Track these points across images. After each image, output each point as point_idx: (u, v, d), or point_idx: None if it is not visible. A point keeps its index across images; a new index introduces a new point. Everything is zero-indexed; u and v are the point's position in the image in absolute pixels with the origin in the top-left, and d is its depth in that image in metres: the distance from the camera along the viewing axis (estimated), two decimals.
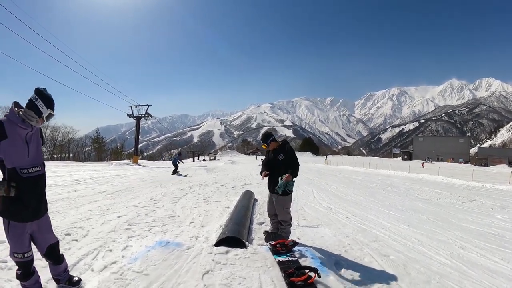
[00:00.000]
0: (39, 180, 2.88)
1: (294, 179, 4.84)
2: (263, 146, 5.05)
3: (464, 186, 17.48)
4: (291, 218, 5.01)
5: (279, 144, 5.01)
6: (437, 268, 4.26)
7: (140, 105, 43.78)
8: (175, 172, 19.89)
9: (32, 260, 2.90)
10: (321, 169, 33.74)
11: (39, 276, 3.02)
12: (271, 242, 4.09)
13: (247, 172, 22.95)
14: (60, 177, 13.72)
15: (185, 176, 18.75)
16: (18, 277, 2.88)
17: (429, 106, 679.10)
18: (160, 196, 9.58)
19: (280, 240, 4.03)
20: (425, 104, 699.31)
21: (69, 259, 3.83)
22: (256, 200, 8.74)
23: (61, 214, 6.52)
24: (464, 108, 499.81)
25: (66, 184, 11.47)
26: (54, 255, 3.10)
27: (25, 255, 2.81)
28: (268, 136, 5.04)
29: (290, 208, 4.92)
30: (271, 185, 4.91)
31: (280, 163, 4.79)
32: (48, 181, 11.89)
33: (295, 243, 3.97)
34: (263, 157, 5.47)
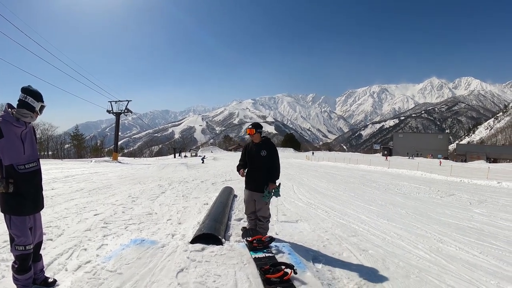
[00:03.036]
0: (36, 174, 3.04)
1: (279, 182, 4.86)
2: (248, 131, 4.88)
3: (443, 181, 17.77)
4: (270, 214, 5.00)
5: (263, 138, 4.94)
6: (416, 262, 4.27)
7: (119, 101, 43.14)
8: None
9: (31, 254, 3.00)
10: (303, 165, 33.99)
11: (33, 274, 3.11)
12: (247, 238, 4.06)
13: (228, 168, 22.86)
14: None
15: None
16: (15, 270, 2.97)
17: (409, 104, 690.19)
18: (138, 194, 9.45)
19: (256, 236, 3.99)
20: (405, 102, 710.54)
21: (44, 259, 3.69)
22: (235, 196, 8.70)
23: None
24: (444, 106, 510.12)
25: (43, 183, 11.13)
26: (37, 253, 3.18)
27: (27, 247, 2.93)
28: (259, 127, 4.94)
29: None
30: (250, 182, 4.85)
31: (261, 159, 4.73)
32: None
33: (272, 239, 3.93)
34: None
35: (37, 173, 3.07)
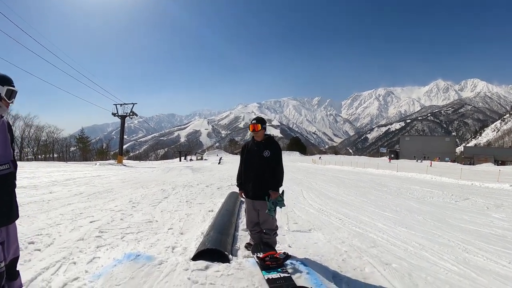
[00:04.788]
0: (7, 179, 2.52)
1: (282, 189, 4.21)
2: (251, 128, 4.17)
3: (455, 185, 17.21)
4: (277, 226, 4.37)
5: (266, 137, 4.29)
6: (445, 276, 3.81)
7: (125, 104, 43.18)
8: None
9: (3, 273, 2.48)
10: (309, 168, 33.51)
11: None
12: (258, 254, 3.50)
13: (234, 172, 22.32)
14: (38, 178, 13.10)
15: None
16: None
17: (415, 106, 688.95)
18: (140, 199, 8.96)
19: (269, 253, 3.42)
20: (411, 104, 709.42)
21: (27, 273, 3.34)
22: (242, 202, 8.15)
23: (29, 219, 5.92)
24: (450, 108, 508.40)
25: (42, 186, 10.83)
26: (13, 271, 2.67)
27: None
28: (264, 122, 4.28)
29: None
30: (251, 188, 4.21)
31: (264, 161, 4.10)
32: (24, 182, 11.35)
33: (287, 256, 3.38)
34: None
35: (9, 177, 2.55)
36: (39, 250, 4.23)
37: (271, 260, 3.29)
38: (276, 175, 4.12)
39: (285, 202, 4.20)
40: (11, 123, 2.64)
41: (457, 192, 13.31)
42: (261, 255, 3.47)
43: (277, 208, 4.12)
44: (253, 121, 4.23)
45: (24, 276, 3.21)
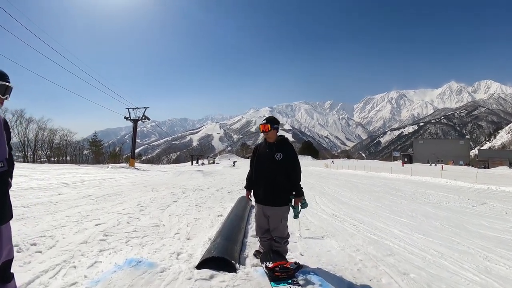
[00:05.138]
0: (1, 178, 2.47)
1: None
2: (261, 128, 3.86)
3: (470, 189, 16.75)
4: (289, 234, 4.09)
5: (278, 138, 3.97)
6: (466, 287, 3.55)
7: (137, 108, 43.51)
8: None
9: None
10: (322, 173, 33.11)
11: None
12: (267, 264, 3.23)
13: (245, 176, 22.05)
14: (48, 180, 13.13)
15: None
16: None
17: (428, 109, 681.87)
18: (149, 202, 8.82)
19: (279, 262, 3.16)
20: (424, 107, 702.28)
21: (25, 276, 3.25)
22: (252, 207, 7.91)
23: (35, 220, 5.85)
24: (463, 111, 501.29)
25: (51, 187, 10.81)
26: (6, 273, 2.59)
27: None
28: (275, 121, 3.96)
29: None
30: (261, 193, 3.93)
31: (276, 164, 3.79)
32: (33, 183, 11.33)
33: (298, 266, 3.11)
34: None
35: (3, 176, 2.47)
36: (41, 252, 4.14)
37: (281, 270, 3.03)
38: (293, 180, 3.85)
39: (301, 214, 4.12)
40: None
41: (473, 196, 12.92)
42: (270, 264, 3.21)
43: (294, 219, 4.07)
44: (263, 121, 3.95)
45: (22, 279, 3.14)
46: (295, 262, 3.24)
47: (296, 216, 3.94)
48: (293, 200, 3.87)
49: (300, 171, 3.91)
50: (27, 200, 8.04)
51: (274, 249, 3.90)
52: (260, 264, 3.57)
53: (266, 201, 3.88)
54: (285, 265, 3.09)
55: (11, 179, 2.64)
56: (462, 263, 4.33)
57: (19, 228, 5.13)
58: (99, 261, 3.91)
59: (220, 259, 3.45)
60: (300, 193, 3.86)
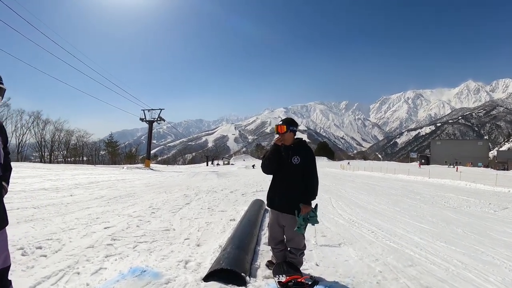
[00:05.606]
0: None
1: (315, 203, 3.59)
2: (277, 129, 3.55)
3: (491, 192, 16.16)
4: (305, 245, 3.71)
5: (296, 141, 3.66)
6: None
7: (152, 109, 43.98)
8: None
9: None
10: (338, 175, 32.66)
11: None
12: (280, 278, 2.97)
13: (260, 178, 21.87)
14: (62, 181, 13.18)
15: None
16: None
17: (445, 109, 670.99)
18: (161, 204, 8.69)
19: (293, 276, 2.88)
20: (441, 107, 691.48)
21: (26, 282, 3.15)
22: (266, 211, 7.65)
23: (44, 222, 5.77)
24: (481, 111, 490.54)
25: (64, 188, 10.81)
26: (2, 282, 2.42)
27: None
28: (293, 123, 3.63)
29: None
30: (277, 199, 3.63)
31: (293, 169, 3.50)
32: (46, 184, 11.36)
33: (314, 282, 2.82)
34: None
35: None
36: (45, 256, 4.03)
37: (295, 286, 2.78)
38: (309, 186, 3.48)
39: (318, 218, 3.57)
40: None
41: (494, 200, 12.41)
42: (283, 279, 2.96)
43: (309, 224, 3.51)
44: (279, 122, 3.64)
45: (22, 285, 3.06)
46: (311, 277, 2.98)
47: (299, 228, 3.39)
48: (300, 206, 3.44)
49: (317, 178, 3.57)
50: (39, 201, 8.00)
51: (288, 260, 3.60)
52: (273, 276, 3.32)
53: (281, 208, 3.58)
54: (299, 280, 2.84)
55: (7, 184, 2.51)
56: (487, 276, 4.01)
57: (27, 230, 5.06)
58: (104, 267, 3.75)
59: (230, 271, 3.20)
60: (308, 201, 3.46)
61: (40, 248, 4.26)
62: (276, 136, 3.61)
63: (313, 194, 3.49)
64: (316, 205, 3.59)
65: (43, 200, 8.19)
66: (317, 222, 3.51)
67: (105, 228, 5.64)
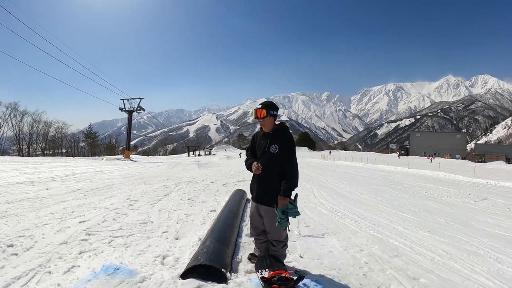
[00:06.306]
0: None
1: (295, 193, 3.29)
2: (256, 113, 3.26)
3: (469, 183, 16.46)
4: (287, 236, 3.48)
5: (276, 127, 3.37)
6: None
7: (132, 98, 43.00)
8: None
9: None
10: (318, 164, 32.87)
11: None
12: (263, 273, 2.79)
13: (241, 168, 21.70)
14: (38, 174, 12.69)
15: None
16: None
17: (425, 102, 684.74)
18: (139, 196, 8.40)
19: (277, 271, 2.71)
20: (421, 100, 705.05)
21: None
22: (248, 201, 7.49)
23: (17, 218, 5.45)
24: (460, 105, 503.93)
25: (40, 181, 10.37)
26: None
27: None
28: (273, 107, 3.36)
29: None
30: (255, 190, 3.45)
31: (270, 158, 3.24)
32: (22, 178, 10.91)
33: (300, 277, 2.63)
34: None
35: None
36: (16, 254, 3.78)
37: (279, 281, 2.60)
38: (287, 176, 3.16)
39: (299, 209, 3.25)
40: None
41: (474, 191, 12.60)
42: (266, 274, 2.78)
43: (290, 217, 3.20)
44: (258, 106, 3.34)
45: None
46: (296, 271, 2.80)
47: (279, 223, 3.09)
48: (278, 201, 3.15)
49: (296, 168, 3.25)
50: (13, 196, 7.61)
51: (271, 253, 3.41)
52: (255, 271, 3.15)
53: (259, 199, 3.38)
54: (283, 275, 2.67)
55: None
56: (473, 266, 4.00)
57: None
58: (77, 265, 3.53)
59: (209, 267, 2.99)
60: (286, 193, 3.12)
61: (11, 246, 4.03)
62: (256, 121, 3.33)
63: (292, 185, 3.17)
64: (296, 195, 3.29)
65: (17, 194, 7.81)
66: (298, 214, 3.21)
67: (80, 222, 5.36)
